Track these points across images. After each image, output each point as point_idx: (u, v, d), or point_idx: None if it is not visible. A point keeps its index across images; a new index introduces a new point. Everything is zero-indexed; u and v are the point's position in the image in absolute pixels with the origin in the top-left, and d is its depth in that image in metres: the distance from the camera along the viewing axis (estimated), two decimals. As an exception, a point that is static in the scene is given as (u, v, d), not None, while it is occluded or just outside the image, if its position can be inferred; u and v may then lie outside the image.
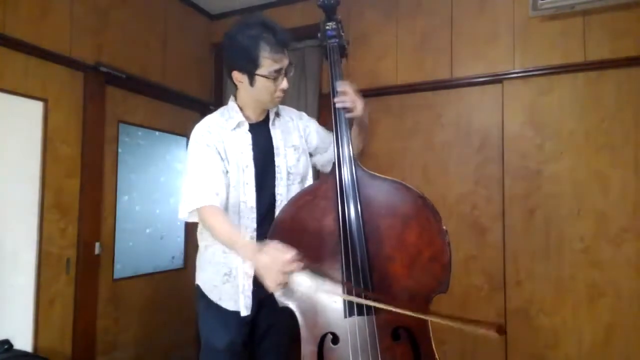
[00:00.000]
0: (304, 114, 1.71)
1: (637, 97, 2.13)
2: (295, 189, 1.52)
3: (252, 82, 1.44)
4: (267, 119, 1.57)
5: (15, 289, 2.05)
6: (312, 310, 1.28)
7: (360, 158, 1.45)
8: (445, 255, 1.25)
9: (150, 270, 2.81)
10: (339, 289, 1.26)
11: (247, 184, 1.46)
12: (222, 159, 1.45)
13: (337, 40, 1.53)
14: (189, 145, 1.50)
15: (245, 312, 1.46)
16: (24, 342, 2.06)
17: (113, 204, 2.54)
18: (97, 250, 2.40)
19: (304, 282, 1.21)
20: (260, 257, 1.19)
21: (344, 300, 1.26)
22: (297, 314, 1.29)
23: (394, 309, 1.16)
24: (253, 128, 1.53)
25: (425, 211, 1.28)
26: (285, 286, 1.20)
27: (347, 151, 1.36)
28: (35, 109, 2.14)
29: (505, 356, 2.32)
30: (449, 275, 1.25)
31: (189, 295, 2.93)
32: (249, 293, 1.46)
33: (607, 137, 2.18)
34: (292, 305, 1.29)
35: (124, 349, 2.58)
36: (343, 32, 1.55)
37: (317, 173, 1.75)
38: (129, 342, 2.62)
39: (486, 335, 1.05)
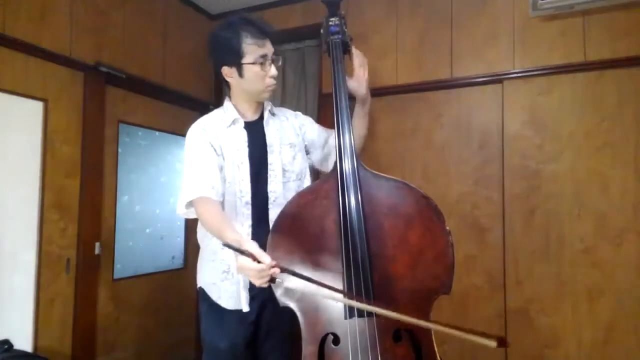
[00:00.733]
0: (299, 113, 1.72)
1: (637, 97, 2.13)
2: (292, 187, 1.52)
3: (240, 72, 1.46)
4: (262, 117, 1.57)
5: (15, 289, 2.05)
6: (313, 311, 1.28)
7: (362, 155, 1.45)
8: (448, 256, 1.24)
9: (150, 270, 2.81)
10: (331, 292, 1.23)
11: (242, 180, 1.47)
12: (217, 154, 1.46)
13: (340, 36, 1.51)
14: (185, 144, 1.50)
15: (246, 307, 1.45)
16: (24, 342, 2.05)
17: (113, 204, 2.54)
18: (97, 250, 2.40)
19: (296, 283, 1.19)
20: (238, 259, 1.16)
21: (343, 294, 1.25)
22: (298, 314, 1.28)
23: (390, 315, 1.13)
24: (248, 125, 1.53)
25: (428, 211, 1.27)
26: (274, 283, 1.17)
27: (348, 142, 1.35)
28: (35, 109, 2.14)
29: (506, 356, 2.32)
30: (452, 277, 1.23)
31: (189, 295, 2.94)
32: (248, 290, 1.46)
33: (607, 137, 2.18)
34: (293, 306, 1.29)
35: (124, 349, 2.58)
36: (346, 27, 1.54)
37: (316, 174, 1.75)
38: (129, 342, 2.62)
39: (485, 345, 1.01)
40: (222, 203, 1.47)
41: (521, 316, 2.30)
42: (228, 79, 1.51)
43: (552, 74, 2.29)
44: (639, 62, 2.12)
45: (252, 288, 1.46)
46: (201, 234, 1.57)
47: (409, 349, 1.24)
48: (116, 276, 2.55)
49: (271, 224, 1.40)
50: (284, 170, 1.52)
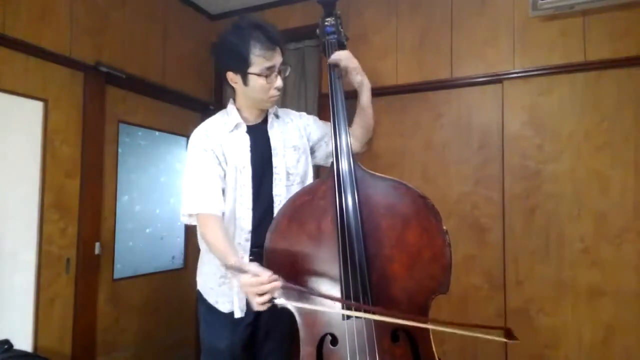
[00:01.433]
0: (303, 113, 1.71)
1: (637, 97, 2.13)
2: (295, 190, 1.52)
3: (245, 81, 1.43)
4: (265, 120, 1.56)
5: (15, 289, 2.05)
6: (311, 312, 1.28)
7: (362, 157, 1.45)
8: (446, 256, 1.24)
9: (150, 270, 2.81)
10: (331, 303, 1.24)
11: (244, 185, 1.46)
12: (219, 162, 1.46)
13: (335, 36, 1.51)
14: (187, 149, 1.51)
15: (239, 313, 1.45)
16: (24, 342, 2.05)
17: (113, 204, 2.54)
18: (97, 250, 2.40)
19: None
20: (240, 278, 1.18)
21: (341, 302, 1.24)
22: (296, 315, 1.28)
23: (388, 319, 1.14)
24: (251, 130, 1.52)
25: (425, 211, 1.27)
26: (274, 303, 1.18)
27: (345, 142, 1.35)
28: (35, 109, 2.14)
29: (506, 356, 2.32)
30: (449, 276, 1.23)
31: (189, 295, 2.94)
32: (244, 295, 1.46)
33: (607, 137, 2.18)
34: (290, 307, 1.29)
35: (124, 349, 2.58)
36: (342, 27, 1.53)
37: (317, 172, 1.75)
38: (129, 342, 2.62)
39: (494, 340, 1.02)
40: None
41: (521, 316, 2.29)
42: (232, 84, 1.50)
43: (552, 74, 2.29)
44: (639, 62, 2.12)
45: None
46: (200, 237, 1.58)
47: (407, 349, 1.24)
48: (116, 276, 2.55)
49: None
50: (287, 174, 1.52)
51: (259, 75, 1.40)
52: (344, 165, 1.32)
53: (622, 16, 2.15)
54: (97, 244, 2.40)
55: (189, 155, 1.49)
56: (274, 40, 1.41)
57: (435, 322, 1.20)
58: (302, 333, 1.28)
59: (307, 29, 2.86)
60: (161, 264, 2.89)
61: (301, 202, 1.35)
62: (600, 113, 2.19)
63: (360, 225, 1.26)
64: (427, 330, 1.23)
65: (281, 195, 1.49)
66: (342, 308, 1.24)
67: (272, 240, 1.32)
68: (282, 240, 1.32)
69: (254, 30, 1.40)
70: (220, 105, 3.16)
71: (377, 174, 1.33)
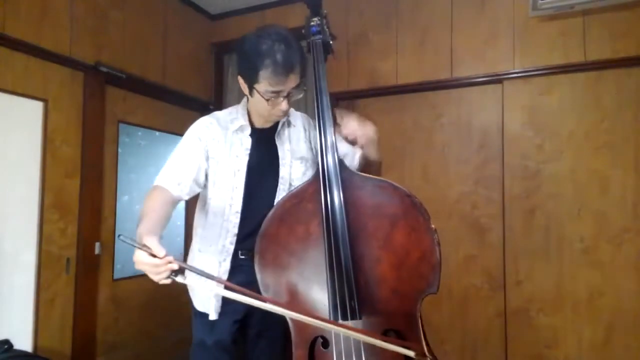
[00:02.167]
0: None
1: (637, 97, 2.13)
2: None
3: (251, 92, 1.41)
4: (275, 126, 1.52)
5: (15, 289, 2.05)
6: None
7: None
8: (435, 255, 1.21)
9: (150, 270, 2.80)
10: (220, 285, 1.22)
11: (236, 187, 1.45)
12: (207, 157, 1.45)
13: (320, 36, 1.48)
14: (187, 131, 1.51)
15: (214, 315, 1.44)
16: (24, 342, 2.05)
17: (113, 204, 2.54)
18: (97, 250, 2.40)
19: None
20: (135, 253, 1.14)
21: (329, 305, 1.23)
22: (287, 318, 1.26)
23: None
24: (256, 134, 1.50)
25: (413, 210, 1.24)
26: (170, 280, 1.16)
27: (329, 140, 1.33)
28: (35, 109, 2.14)
29: (506, 356, 2.32)
30: (438, 276, 1.20)
31: (188, 296, 2.93)
32: (220, 297, 1.44)
33: (607, 137, 2.18)
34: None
35: (124, 349, 2.58)
36: (328, 27, 1.50)
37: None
38: (129, 342, 2.62)
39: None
40: (208, 209, 1.47)
41: (521, 316, 2.30)
42: (242, 87, 1.46)
43: (552, 74, 2.29)
44: (639, 62, 2.12)
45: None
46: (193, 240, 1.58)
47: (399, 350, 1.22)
48: (116, 276, 2.55)
49: None
50: (290, 185, 1.51)
51: (262, 95, 1.36)
52: (329, 161, 1.30)
53: (622, 16, 2.15)
54: (97, 244, 2.40)
55: (183, 137, 1.50)
56: (289, 67, 1.33)
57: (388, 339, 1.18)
58: (293, 336, 1.27)
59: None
60: (161, 264, 2.89)
61: (289, 205, 1.34)
62: (600, 113, 2.20)
63: (346, 224, 1.24)
64: (418, 329, 1.21)
65: None
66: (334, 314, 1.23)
67: (261, 243, 1.31)
68: (272, 245, 1.31)
69: (273, 51, 1.32)
70: (220, 106, 3.16)
71: (363, 174, 1.32)
